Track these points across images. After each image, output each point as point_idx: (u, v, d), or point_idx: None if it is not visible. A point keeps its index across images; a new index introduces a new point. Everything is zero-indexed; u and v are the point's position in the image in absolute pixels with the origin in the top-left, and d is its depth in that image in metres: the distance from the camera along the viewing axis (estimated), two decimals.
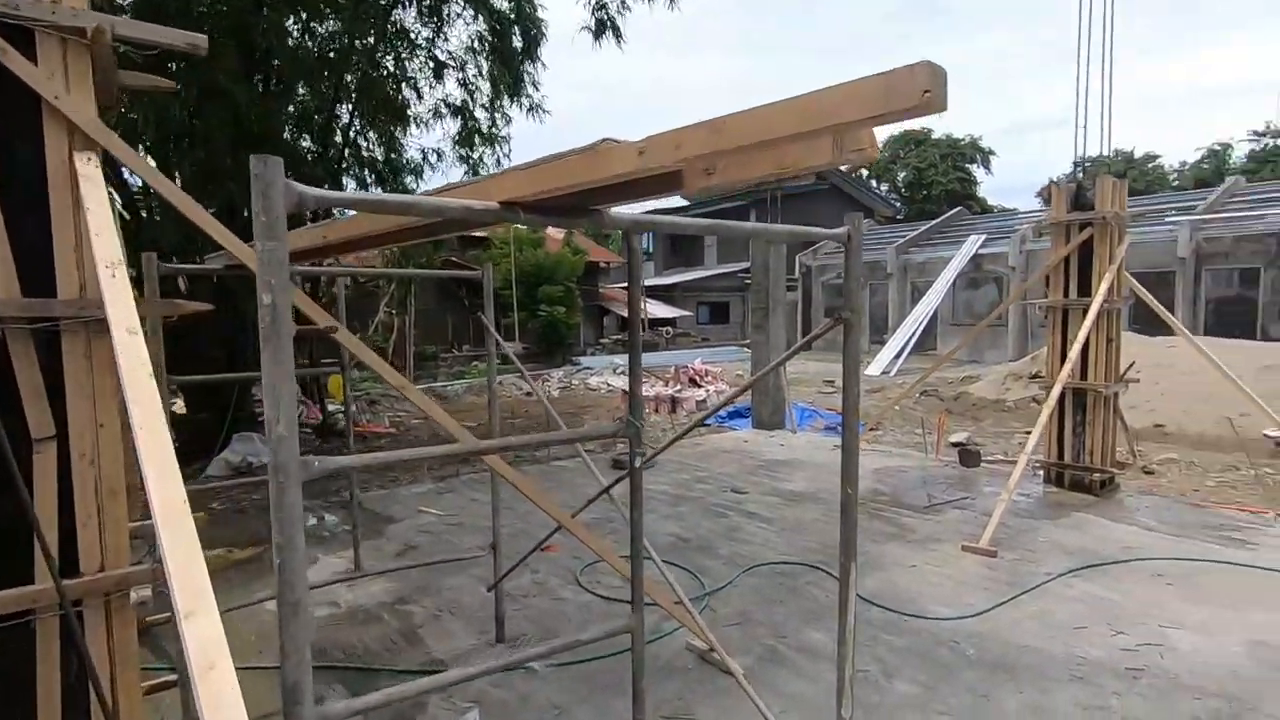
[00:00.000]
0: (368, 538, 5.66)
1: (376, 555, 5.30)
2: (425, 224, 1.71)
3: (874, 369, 19.83)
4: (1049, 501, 6.28)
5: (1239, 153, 44.57)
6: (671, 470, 7.58)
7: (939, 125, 46.44)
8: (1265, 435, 8.88)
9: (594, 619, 4.09)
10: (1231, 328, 17.44)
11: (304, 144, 9.91)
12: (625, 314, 27.21)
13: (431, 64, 10.08)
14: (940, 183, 44.21)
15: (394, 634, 3.95)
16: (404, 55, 9.56)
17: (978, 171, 46.36)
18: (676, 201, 38.55)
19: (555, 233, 26.12)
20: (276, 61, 8.44)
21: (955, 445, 9.26)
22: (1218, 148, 45.68)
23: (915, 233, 27.58)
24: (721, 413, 12.88)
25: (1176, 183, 43.96)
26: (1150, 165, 46.39)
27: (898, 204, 43.20)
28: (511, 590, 4.41)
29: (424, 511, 6.31)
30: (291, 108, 9.92)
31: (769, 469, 7.66)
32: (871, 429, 10.15)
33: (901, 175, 46.68)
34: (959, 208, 33.32)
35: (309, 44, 8.76)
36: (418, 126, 10.45)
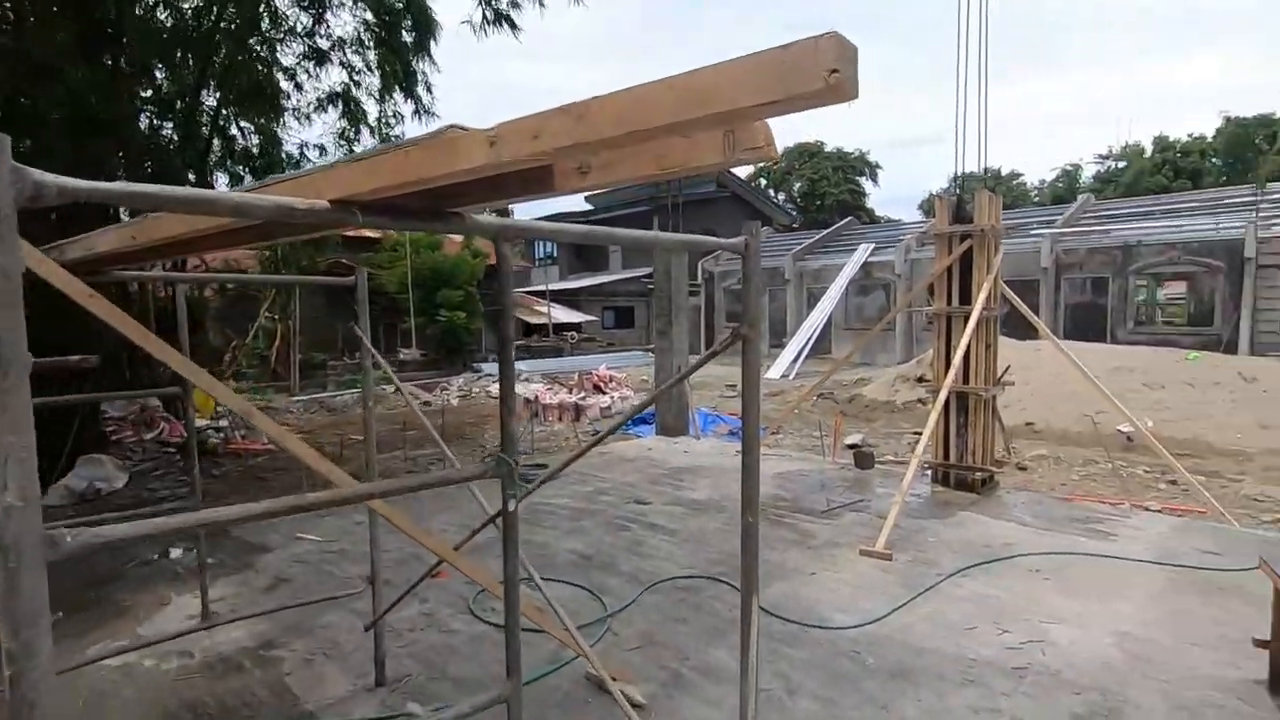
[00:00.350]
0: (234, 571, 5.10)
1: (244, 591, 4.76)
2: (250, 225, 1.44)
3: (774, 372, 20.41)
4: (937, 501, 6.54)
5: (1087, 173, 49.60)
6: (574, 482, 7.35)
7: (831, 139, 48.72)
8: (1119, 431, 9.75)
9: (487, 652, 3.81)
10: (1086, 331, 19.25)
11: (165, 132, 8.97)
12: (530, 319, 26.54)
13: (313, 53, 9.40)
14: (832, 193, 46.40)
15: (257, 684, 3.51)
16: (277, 39, 8.83)
17: (866, 184, 49.03)
18: (580, 205, 38.28)
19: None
20: (127, 39, 7.56)
21: (850, 447, 9.57)
22: (1070, 168, 50.65)
23: (810, 241, 28.76)
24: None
25: (1037, 199, 48.30)
26: (1015, 182, 50.77)
27: (794, 213, 44.94)
28: (396, 624, 4.05)
29: (301, 538, 5.77)
30: (150, 92, 8.97)
31: (672, 477, 7.59)
32: (773, 433, 10.33)
33: (797, 186, 48.65)
34: (850, 218, 35.07)
35: (164, 19, 7.90)
36: (299, 120, 9.72)
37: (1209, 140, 44.19)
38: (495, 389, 17.41)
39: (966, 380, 6.68)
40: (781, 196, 48.25)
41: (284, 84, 9.47)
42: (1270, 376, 11.32)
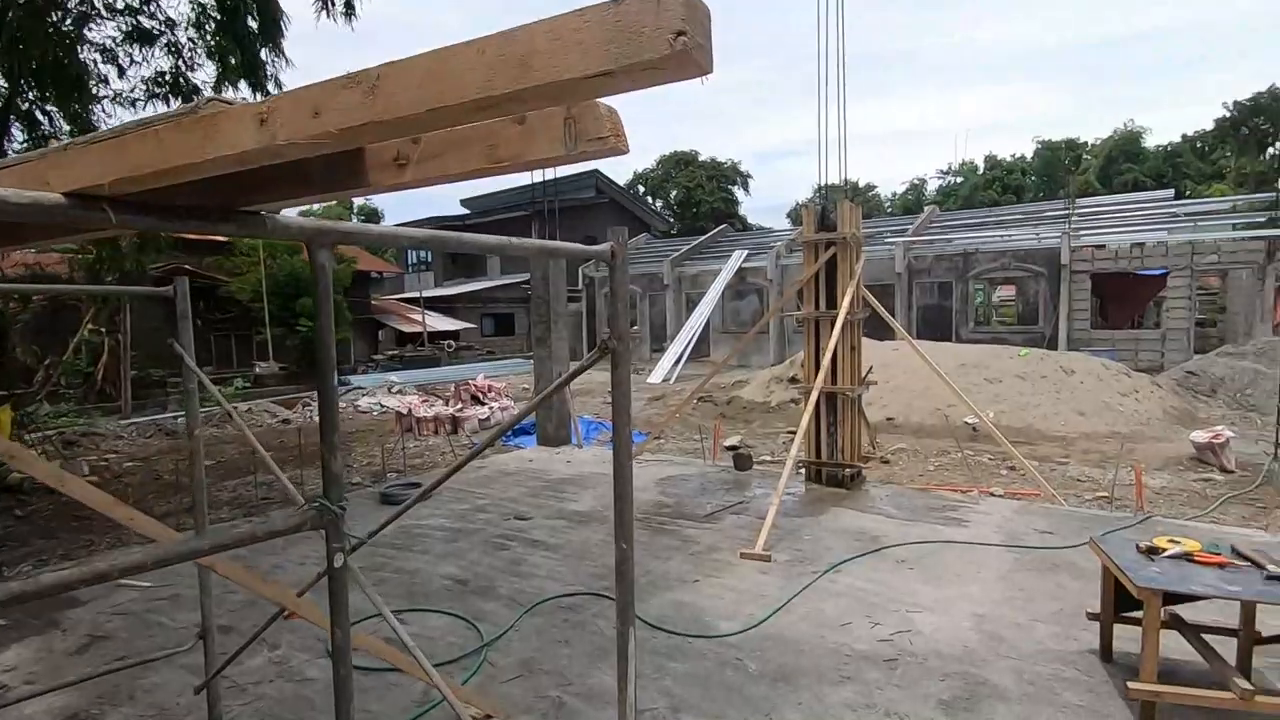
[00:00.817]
0: (35, 632, 4.33)
1: (47, 657, 4.04)
2: None
3: (655, 377, 20.62)
4: (810, 499, 6.77)
5: (931, 187, 54.51)
6: (450, 500, 6.96)
7: (704, 149, 50.34)
8: (965, 422, 10.63)
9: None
10: (934, 331, 21.00)
11: None
12: (402, 328, 25.13)
13: (137, 33, 8.37)
14: (707, 201, 47.88)
15: None
16: (86, 14, 7.77)
17: (739, 192, 51.03)
18: (453, 209, 37.05)
19: None
20: None
21: (730, 449, 9.79)
22: (917, 182, 55.42)
23: (688, 247, 29.45)
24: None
25: (890, 209, 52.38)
26: (870, 194, 54.80)
27: (671, 219, 45.96)
28: (241, 677, 3.59)
29: (125, 585, 5.02)
30: None
31: (555, 489, 7.38)
32: (655, 438, 10.36)
33: (674, 193, 49.81)
34: (724, 225, 36.32)
35: None
36: (125, 106, 8.62)
37: (1027, 160, 49.92)
38: (364, 403, 16.38)
39: (834, 381, 6.99)
40: (659, 203, 49.21)
41: (103, 66, 8.37)
42: (1084, 369, 12.83)
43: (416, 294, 29.51)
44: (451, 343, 27.07)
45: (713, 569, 5.01)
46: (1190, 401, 12.51)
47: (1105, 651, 3.64)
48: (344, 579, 1.34)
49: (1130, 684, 3.04)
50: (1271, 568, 3.10)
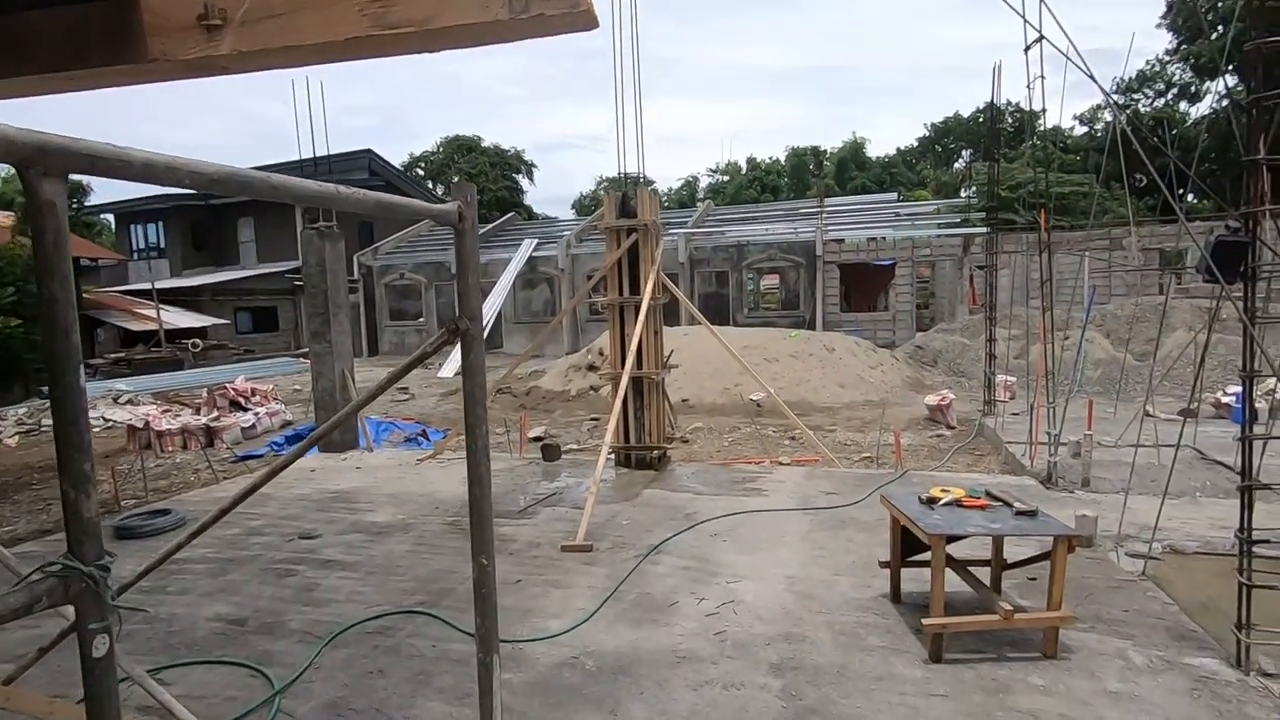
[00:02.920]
0: None
1: None
2: None
3: (447, 370, 19.60)
4: (623, 483, 6.83)
5: (703, 184, 58.65)
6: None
7: (487, 135, 49.06)
8: (751, 399, 11.52)
9: None
10: (714, 316, 22.55)
11: None
12: (130, 326, 21.02)
13: None
14: (492, 189, 46.63)
15: None
16: None
17: (524, 181, 50.43)
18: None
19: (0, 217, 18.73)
20: None
21: (536, 440, 9.57)
22: (690, 179, 59.24)
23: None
24: (278, 438, 10.91)
25: (666, 204, 55.38)
26: (650, 188, 57.44)
27: None
28: None
29: None
30: None
31: (346, 500, 6.60)
32: (457, 435, 9.78)
33: (456, 179, 47.76)
34: (511, 213, 35.67)
35: None
36: None
37: (781, 163, 55.87)
38: None
39: (640, 365, 7.09)
40: (440, 189, 46.87)
41: None
42: (841, 347, 14.63)
43: (148, 285, 24.87)
44: (198, 341, 23.23)
45: (535, 567, 4.79)
46: (919, 371, 14.88)
47: (895, 594, 4.08)
48: (111, 671, 0.90)
49: (924, 620, 3.42)
50: (1018, 505, 3.68)
